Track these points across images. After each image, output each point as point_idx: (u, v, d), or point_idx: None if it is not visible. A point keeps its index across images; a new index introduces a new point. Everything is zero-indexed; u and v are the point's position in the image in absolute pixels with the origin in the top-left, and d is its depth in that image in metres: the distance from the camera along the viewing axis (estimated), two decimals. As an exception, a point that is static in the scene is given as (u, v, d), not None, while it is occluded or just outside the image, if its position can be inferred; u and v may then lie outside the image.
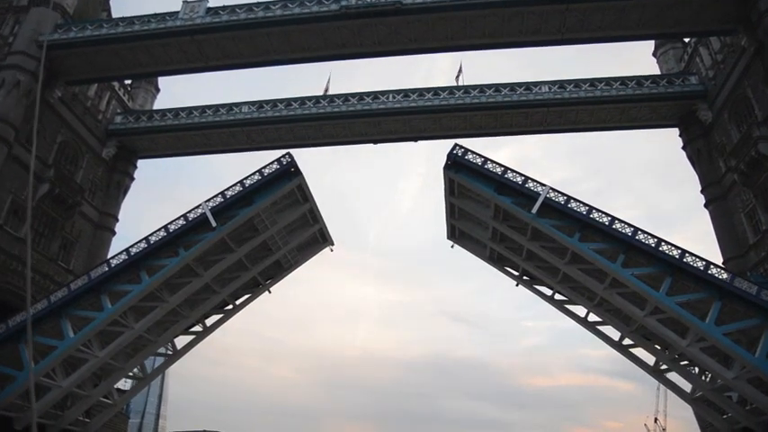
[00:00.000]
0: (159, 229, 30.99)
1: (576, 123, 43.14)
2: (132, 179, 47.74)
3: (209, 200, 31.20)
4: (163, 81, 52.36)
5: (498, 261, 36.39)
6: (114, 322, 30.59)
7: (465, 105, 42.11)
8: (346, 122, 43.70)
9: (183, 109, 46.08)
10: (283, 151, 32.75)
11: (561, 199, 28.90)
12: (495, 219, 31.80)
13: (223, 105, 45.49)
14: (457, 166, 30.97)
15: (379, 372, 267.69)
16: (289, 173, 31.45)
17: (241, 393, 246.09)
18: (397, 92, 43.52)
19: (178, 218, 31.07)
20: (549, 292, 35.37)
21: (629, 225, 27.95)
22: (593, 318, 34.06)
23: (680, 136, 42.68)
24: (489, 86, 42.64)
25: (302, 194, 33.12)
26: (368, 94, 43.80)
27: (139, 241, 30.97)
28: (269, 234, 33.45)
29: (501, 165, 30.12)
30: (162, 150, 48.05)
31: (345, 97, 43.95)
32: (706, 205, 39.63)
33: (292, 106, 44.29)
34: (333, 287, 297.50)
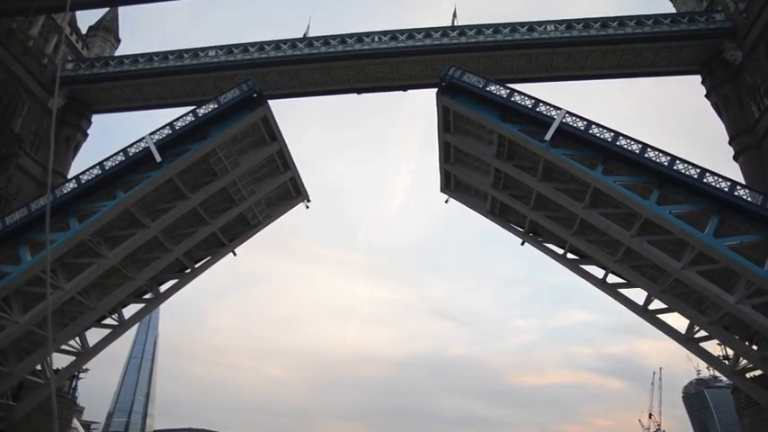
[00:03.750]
0: (93, 167, 25.53)
1: (586, 68, 38.28)
2: (85, 135, 42.31)
3: (154, 132, 25.77)
4: (124, 31, 46.95)
5: (501, 215, 31.10)
6: (37, 280, 25.13)
7: (460, 46, 37.15)
8: (326, 67, 38.55)
9: (142, 55, 40.84)
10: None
11: (581, 124, 23.67)
12: (499, 157, 26.49)
13: (188, 50, 40.37)
14: (453, 89, 25.57)
15: (371, 370, 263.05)
16: (251, 100, 26.18)
17: (232, 392, 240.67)
18: (384, 33, 38.53)
19: (116, 153, 25.63)
20: (560, 250, 30.14)
21: (665, 153, 22.79)
22: (612, 279, 28.84)
23: (702, 83, 37.80)
24: (488, 26, 37.79)
25: (269, 130, 27.76)
26: (351, 35, 38.75)
27: (68, 181, 25.55)
28: (230, 179, 28.07)
29: (506, 87, 24.86)
30: (119, 103, 42.67)
31: (325, 39, 38.84)
32: (735, 157, 34.72)
33: (265, 50, 39.10)
34: (325, 286, 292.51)
